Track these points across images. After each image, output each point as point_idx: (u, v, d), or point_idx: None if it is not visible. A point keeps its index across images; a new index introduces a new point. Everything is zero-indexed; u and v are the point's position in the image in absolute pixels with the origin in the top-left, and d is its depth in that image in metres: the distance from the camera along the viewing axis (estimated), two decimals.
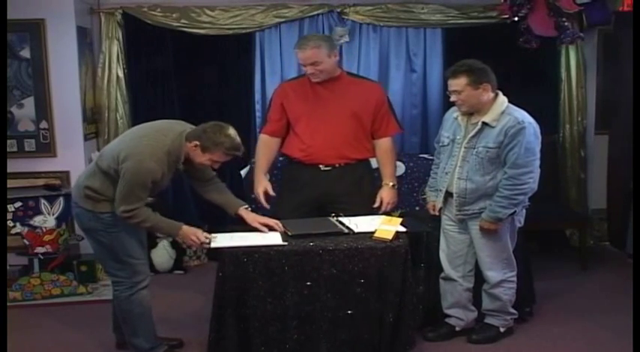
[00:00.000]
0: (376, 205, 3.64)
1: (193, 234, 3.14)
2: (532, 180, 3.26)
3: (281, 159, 3.97)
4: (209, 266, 4.72)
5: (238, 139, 3.09)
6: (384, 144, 3.71)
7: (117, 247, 3.14)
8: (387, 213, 3.63)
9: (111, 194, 3.07)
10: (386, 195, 3.67)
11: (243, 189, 4.35)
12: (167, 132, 3.09)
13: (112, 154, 3.07)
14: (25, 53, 4.53)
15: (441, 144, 3.52)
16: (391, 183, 3.70)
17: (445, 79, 3.40)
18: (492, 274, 3.45)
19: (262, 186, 3.68)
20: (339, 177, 3.61)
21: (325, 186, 3.60)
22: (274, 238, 3.18)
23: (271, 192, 3.69)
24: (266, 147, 3.73)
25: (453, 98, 3.32)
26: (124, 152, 3.01)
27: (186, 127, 3.14)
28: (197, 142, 3.03)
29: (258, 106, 5.06)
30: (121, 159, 2.99)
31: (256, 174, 3.76)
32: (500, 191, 3.25)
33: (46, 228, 4.31)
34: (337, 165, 3.61)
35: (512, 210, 3.27)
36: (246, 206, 3.36)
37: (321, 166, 3.61)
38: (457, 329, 3.60)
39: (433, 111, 5.12)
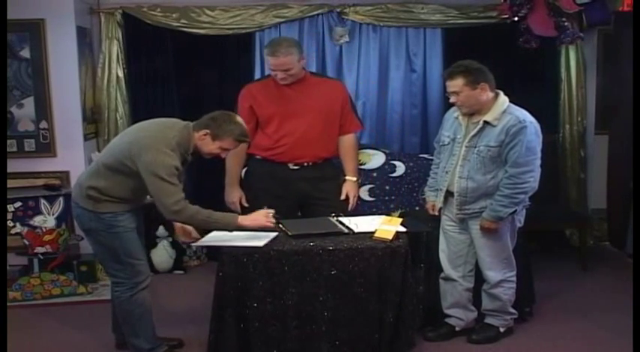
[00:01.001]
0: (343, 197, 3.72)
1: (257, 218, 3.11)
2: (533, 179, 3.26)
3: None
4: (209, 266, 4.72)
5: (245, 126, 3.15)
6: (348, 140, 3.76)
7: (118, 248, 3.13)
8: (387, 213, 3.64)
9: (116, 194, 3.07)
10: (350, 189, 3.75)
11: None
12: (172, 125, 3.11)
13: (119, 149, 3.07)
14: (25, 53, 4.53)
15: (441, 143, 3.52)
16: (354, 178, 3.79)
17: (445, 80, 3.40)
18: (492, 274, 3.45)
19: (237, 195, 3.76)
20: (311, 176, 3.65)
21: (299, 186, 3.64)
22: (262, 239, 3.16)
23: (244, 203, 3.74)
24: (235, 154, 3.67)
25: (452, 99, 3.33)
26: (135, 147, 2.99)
27: (186, 122, 3.14)
28: (207, 131, 3.06)
29: None
30: (134, 154, 2.97)
31: (229, 182, 3.79)
32: (501, 190, 3.26)
33: (46, 228, 4.31)
34: (305, 164, 3.65)
35: (512, 209, 3.28)
36: None
37: (289, 165, 3.64)
38: (457, 329, 3.60)
39: (433, 111, 5.11)
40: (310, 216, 3.63)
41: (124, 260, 3.15)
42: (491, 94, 3.29)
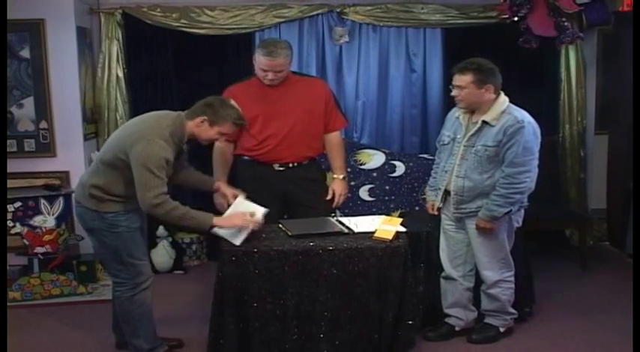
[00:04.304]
0: (329, 197, 3.71)
1: (232, 218, 3.13)
2: (529, 180, 3.27)
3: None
4: (209, 266, 4.72)
5: (240, 109, 3.15)
6: (334, 138, 3.76)
7: (120, 247, 3.13)
8: (387, 213, 3.64)
9: (116, 191, 3.08)
10: (337, 187, 3.75)
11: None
12: (164, 116, 3.13)
13: (115, 144, 3.08)
14: (25, 53, 4.53)
15: (442, 143, 3.53)
16: (342, 176, 3.78)
17: (446, 79, 3.41)
18: (489, 274, 3.45)
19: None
20: (296, 177, 3.64)
21: (284, 188, 3.63)
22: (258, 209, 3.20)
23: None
24: (222, 155, 3.71)
25: (454, 93, 3.33)
26: (130, 139, 3.00)
27: (178, 112, 3.16)
28: (204, 117, 3.06)
29: None
30: (128, 146, 2.98)
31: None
32: (497, 189, 3.26)
33: (45, 228, 4.31)
34: (290, 165, 3.64)
35: (508, 209, 3.28)
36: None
37: (275, 166, 3.64)
38: (457, 329, 3.60)
39: (433, 111, 5.11)
40: (295, 217, 3.62)
41: (125, 260, 3.15)
42: (493, 96, 3.29)
